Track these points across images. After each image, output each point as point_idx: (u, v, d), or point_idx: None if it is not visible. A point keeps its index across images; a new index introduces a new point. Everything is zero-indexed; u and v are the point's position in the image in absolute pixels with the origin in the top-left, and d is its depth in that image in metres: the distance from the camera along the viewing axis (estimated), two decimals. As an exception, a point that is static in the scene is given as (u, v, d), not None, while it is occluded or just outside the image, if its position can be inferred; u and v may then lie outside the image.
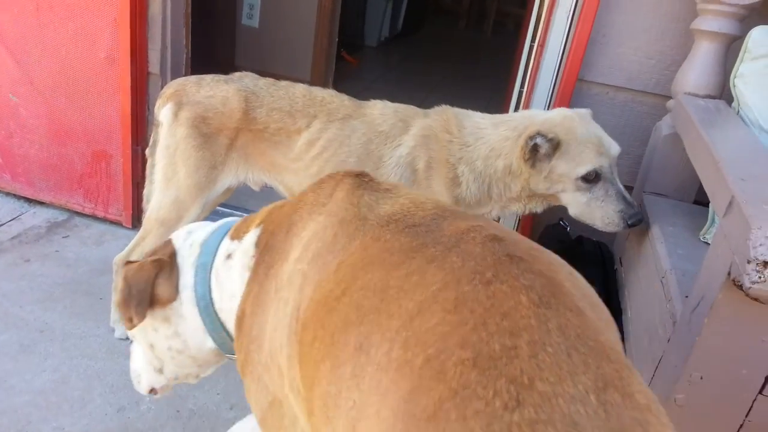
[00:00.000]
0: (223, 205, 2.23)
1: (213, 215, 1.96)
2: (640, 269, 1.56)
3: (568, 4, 1.93)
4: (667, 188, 1.72)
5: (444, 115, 1.69)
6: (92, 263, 2.23)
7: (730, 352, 1.04)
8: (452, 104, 1.74)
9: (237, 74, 1.77)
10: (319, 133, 1.69)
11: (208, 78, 1.75)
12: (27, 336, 1.86)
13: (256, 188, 1.86)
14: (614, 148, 1.54)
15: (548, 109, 2.00)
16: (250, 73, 1.78)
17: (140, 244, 1.82)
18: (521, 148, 1.53)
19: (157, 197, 1.78)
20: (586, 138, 1.52)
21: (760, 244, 0.89)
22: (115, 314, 1.91)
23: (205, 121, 1.68)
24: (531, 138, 1.51)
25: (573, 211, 1.60)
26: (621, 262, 1.79)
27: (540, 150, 1.51)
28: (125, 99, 2.27)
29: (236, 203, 2.50)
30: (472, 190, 1.66)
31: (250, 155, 1.75)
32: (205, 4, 4.05)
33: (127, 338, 1.86)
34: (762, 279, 0.89)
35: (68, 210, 2.54)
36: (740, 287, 0.93)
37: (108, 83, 2.28)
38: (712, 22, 1.62)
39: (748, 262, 0.90)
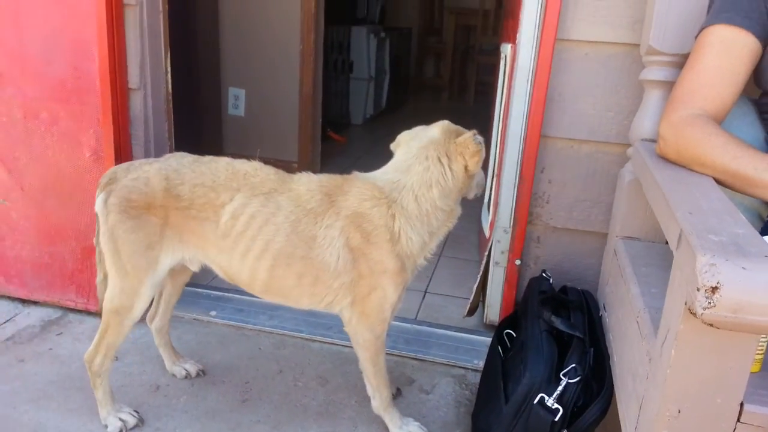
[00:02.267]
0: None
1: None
2: (620, 311, 1.57)
3: (525, 71, 2.04)
4: (638, 231, 1.75)
5: (357, 183, 1.71)
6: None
7: (701, 383, 1.04)
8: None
9: (167, 155, 1.81)
10: (243, 209, 1.67)
11: (137, 162, 1.80)
12: (20, 438, 1.85)
13: (194, 269, 1.87)
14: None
15: (519, 167, 2.07)
16: (179, 153, 1.80)
17: (103, 338, 1.82)
18: (476, 151, 1.68)
19: (109, 287, 1.79)
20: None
21: (705, 271, 0.92)
22: (103, 411, 1.90)
23: (131, 203, 1.69)
24: (475, 138, 1.69)
25: (473, 194, 1.83)
26: (605, 308, 1.81)
27: (482, 151, 1.70)
28: (112, 194, 2.35)
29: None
30: (413, 239, 1.68)
31: (183, 233, 1.73)
32: (191, 98, 4.25)
33: (120, 431, 1.86)
34: (711, 304, 0.92)
35: (61, 307, 2.57)
36: (695, 315, 0.95)
37: (95, 180, 2.35)
38: (657, 71, 1.70)
39: (698, 289, 0.93)
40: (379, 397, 1.89)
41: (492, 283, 2.40)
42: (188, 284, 2.63)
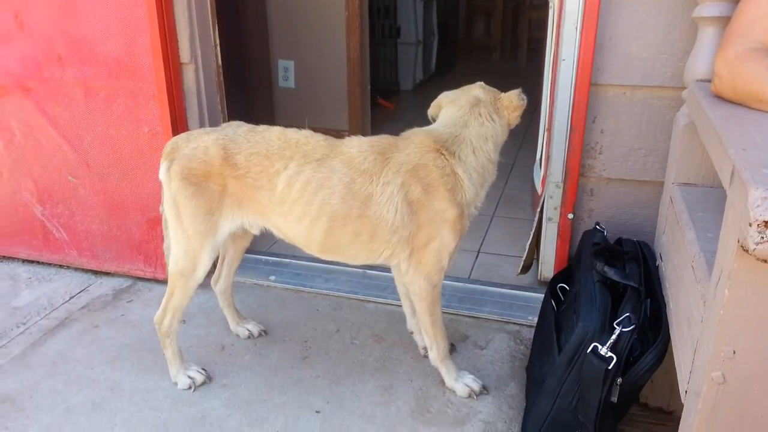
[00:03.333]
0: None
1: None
2: (676, 258, 1.54)
3: (573, 15, 1.98)
4: (695, 177, 1.69)
5: (415, 138, 1.78)
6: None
7: (756, 322, 1.02)
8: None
9: (223, 124, 1.87)
10: (297, 176, 1.72)
11: (196, 132, 1.87)
12: (99, 395, 1.98)
13: (255, 232, 1.94)
14: None
15: (570, 117, 2.03)
16: (235, 123, 1.86)
17: (170, 300, 1.93)
18: (519, 105, 1.80)
19: (173, 251, 1.89)
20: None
21: (758, 205, 0.89)
22: (173, 369, 2.01)
23: (192, 171, 1.76)
24: (521, 94, 1.81)
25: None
26: (661, 257, 1.76)
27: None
28: (170, 166, 2.44)
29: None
30: (470, 189, 1.75)
31: (242, 201, 1.81)
32: (241, 73, 4.32)
33: (190, 388, 1.97)
34: (764, 239, 0.89)
35: (131, 276, 2.71)
36: (747, 251, 0.93)
37: (154, 155, 2.46)
38: (711, 7, 1.62)
39: (750, 224, 0.90)
40: (436, 348, 1.93)
41: (545, 240, 2.38)
42: (248, 251, 2.74)
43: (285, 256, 2.82)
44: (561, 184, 2.21)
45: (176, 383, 2.01)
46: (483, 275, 2.69)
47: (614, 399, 1.53)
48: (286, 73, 4.59)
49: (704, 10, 1.65)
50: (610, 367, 1.48)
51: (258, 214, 1.84)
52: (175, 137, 1.88)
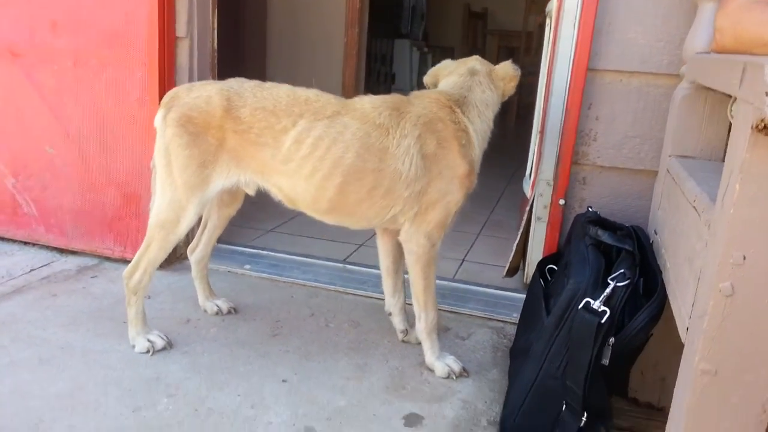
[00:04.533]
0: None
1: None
2: (674, 218, 1.47)
3: (573, 1, 1.99)
4: (693, 149, 1.66)
5: (432, 95, 1.79)
6: (118, 296, 2.21)
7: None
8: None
9: (228, 79, 1.81)
10: (307, 132, 1.68)
11: (199, 83, 1.82)
12: (47, 352, 1.82)
13: (250, 192, 1.86)
14: None
15: (565, 101, 2.01)
16: (241, 78, 1.81)
17: (145, 253, 1.81)
18: (514, 76, 1.85)
19: (156, 202, 1.79)
20: None
21: (775, 69, 0.85)
22: (132, 330, 1.87)
23: (191, 120, 1.70)
24: (513, 64, 1.87)
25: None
26: (656, 232, 1.70)
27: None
28: (153, 140, 2.35)
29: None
30: (479, 145, 1.78)
31: (241, 158, 1.74)
32: (236, 55, 4.31)
33: (148, 351, 1.82)
34: (783, 102, 0.84)
35: (98, 256, 2.58)
36: (764, 127, 0.87)
37: (139, 126, 2.39)
38: (710, -19, 1.64)
39: (767, 94, 0.85)
40: (425, 318, 1.83)
41: (533, 240, 2.31)
42: (224, 242, 2.66)
43: (263, 249, 2.72)
44: (552, 182, 2.17)
45: (134, 346, 1.86)
46: (467, 278, 2.59)
47: (605, 361, 1.43)
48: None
49: (703, -14, 1.66)
50: (602, 321, 1.39)
51: (257, 173, 1.76)
52: (176, 87, 1.82)
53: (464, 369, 1.84)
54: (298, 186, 1.73)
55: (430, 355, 1.84)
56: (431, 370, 1.85)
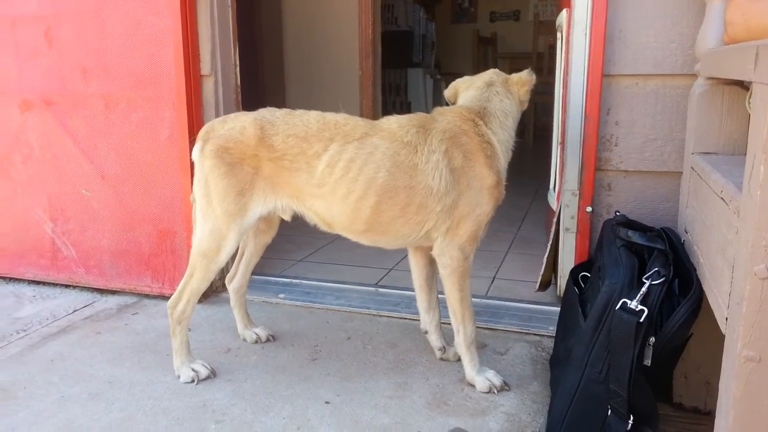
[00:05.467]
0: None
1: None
2: (703, 212, 1.48)
3: (583, 12, 2.03)
4: (715, 145, 1.67)
5: (454, 110, 1.83)
6: (159, 330, 2.28)
7: (800, 197, 0.97)
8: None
9: (261, 110, 1.87)
10: (339, 155, 1.73)
11: (233, 114, 1.89)
12: (95, 387, 1.87)
13: (286, 218, 1.91)
14: None
15: (584, 109, 2.04)
16: (271, 108, 1.87)
17: (189, 282, 1.86)
18: (528, 80, 1.86)
19: (197, 232, 1.84)
20: None
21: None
22: (177, 360, 1.91)
23: (228, 150, 1.76)
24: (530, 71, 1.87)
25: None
26: (686, 230, 1.71)
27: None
28: (185, 176, 2.44)
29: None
30: (504, 156, 1.81)
31: (276, 184, 1.79)
32: (257, 90, 4.41)
33: (193, 381, 1.86)
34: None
35: (138, 294, 2.64)
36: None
37: (170, 163, 2.47)
38: (719, -18, 1.68)
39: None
40: (463, 331, 1.84)
41: (563, 252, 2.31)
42: (257, 273, 2.70)
43: (295, 278, 2.76)
44: (577, 192, 2.18)
45: (179, 376, 1.90)
46: (499, 295, 2.60)
47: (647, 362, 1.43)
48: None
49: (712, -14, 1.70)
50: (641, 320, 1.39)
51: (293, 198, 1.82)
52: (211, 121, 1.89)
53: (505, 383, 1.84)
54: (333, 208, 1.78)
55: (470, 369, 1.85)
56: (472, 385, 1.85)
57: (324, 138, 1.75)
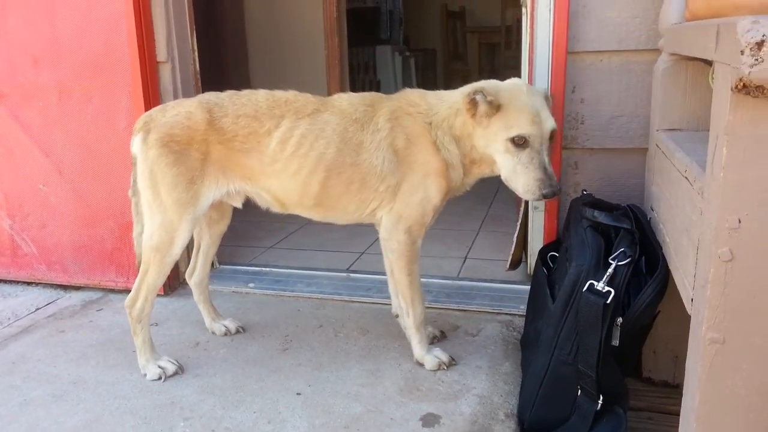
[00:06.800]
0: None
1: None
2: (669, 191, 1.48)
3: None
4: (679, 121, 1.66)
5: (407, 94, 1.79)
6: (125, 326, 2.19)
7: (759, 183, 0.96)
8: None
9: (199, 94, 1.83)
10: (291, 131, 1.71)
11: (172, 102, 1.83)
12: (60, 388, 1.82)
13: (238, 205, 1.89)
14: (549, 123, 1.62)
15: (549, 85, 2.01)
16: (211, 92, 1.82)
17: (144, 279, 1.82)
18: (462, 98, 1.67)
19: (147, 226, 1.79)
20: (524, 105, 1.61)
21: (747, 30, 0.86)
22: (142, 358, 1.87)
23: (174, 138, 1.71)
24: (473, 93, 1.64)
25: (503, 174, 1.68)
26: (652, 208, 1.71)
27: (479, 106, 1.63)
28: (146, 166, 2.37)
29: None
30: (451, 150, 1.72)
31: (227, 168, 1.76)
32: (218, 75, 4.31)
33: (160, 378, 1.82)
34: (759, 60, 0.84)
35: (102, 288, 2.58)
36: (743, 87, 0.88)
37: (129, 155, 2.38)
38: (679, -46, 1.65)
39: (742, 52, 0.86)
40: (412, 313, 1.84)
41: (533, 231, 2.31)
42: (226, 263, 2.66)
43: (265, 266, 2.72)
44: (545, 170, 2.17)
45: (145, 374, 1.85)
46: (471, 275, 2.60)
47: (615, 342, 1.43)
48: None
49: (673, -40, 1.67)
50: (608, 302, 1.39)
51: (245, 179, 1.79)
52: (148, 111, 1.82)
53: (452, 358, 1.88)
54: (284, 185, 1.76)
55: (419, 349, 1.87)
56: (421, 364, 1.87)
57: (275, 115, 1.73)
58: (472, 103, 1.64)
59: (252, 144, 1.73)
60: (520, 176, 1.62)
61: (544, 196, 1.60)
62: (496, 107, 1.62)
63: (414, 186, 1.72)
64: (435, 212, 1.77)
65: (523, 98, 1.63)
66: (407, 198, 1.72)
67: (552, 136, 1.64)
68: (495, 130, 1.63)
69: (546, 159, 1.62)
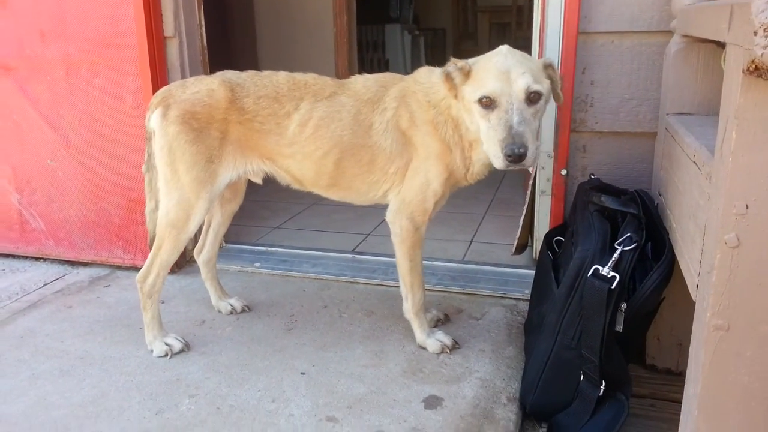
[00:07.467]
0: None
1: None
2: (676, 175, 1.46)
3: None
4: (689, 105, 1.64)
5: (417, 72, 1.77)
6: (132, 303, 2.24)
7: (769, 167, 0.94)
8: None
9: (219, 72, 1.81)
10: (309, 113, 1.72)
11: (192, 79, 1.82)
12: (67, 363, 1.84)
13: (258, 180, 1.89)
14: (521, 81, 1.47)
15: (560, 66, 1.98)
16: (230, 71, 1.81)
17: (158, 254, 1.82)
18: (442, 75, 1.61)
19: (163, 202, 1.79)
20: (492, 66, 1.52)
21: (762, 11, 0.83)
22: (149, 335, 1.88)
23: (195, 116, 1.70)
24: (446, 66, 1.60)
25: (483, 147, 1.57)
26: (660, 193, 1.69)
27: (454, 78, 1.58)
28: (153, 144, 2.37)
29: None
30: (448, 130, 1.69)
31: (246, 147, 1.77)
32: (226, 51, 4.30)
33: (166, 355, 1.83)
34: (773, 42, 0.83)
35: (109, 265, 2.60)
36: (755, 69, 0.86)
37: (136, 130, 2.39)
38: (696, -66, 1.61)
39: (755, 33, 0.84)
40: (411, 299, 1.85)
41: (539, 215, 2.30)
42: (232, 242, 2.66)
43: (271, 246, 2.73)
44: (552, 154, 2.15)
45: (152, 350, 1.87)
46: (476, 259, 2.59)
47: (619, 327, 1.42)
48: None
49: (688, -60, 1.63)
50: (613, 287, 1.38)
51: (264, 159, 1.80)
52: (166, 87, 1.81)
53: (455, 341, 1.87)
54: (303, 165, 1.77)
55: (420, 333, 1.88)
56: (424, 348, 1.87)
57: (295, 98, 1.74)
58: (448, 78, 1.59)
59: (271, 125, 1.73)
60: (489, 141, 1.50)
61: (507, 159, 1.44)
62: (466, 73, 1.56)
63: (415, 169, 1.72)
64: (436, 198, 1.74)
65: (494, 59, 1.53)
66: (410, 181, 1.73)
67: (531, 96, 1.49)
68: (467, 98, 1.55)
69: (515, 119, 1.46)
